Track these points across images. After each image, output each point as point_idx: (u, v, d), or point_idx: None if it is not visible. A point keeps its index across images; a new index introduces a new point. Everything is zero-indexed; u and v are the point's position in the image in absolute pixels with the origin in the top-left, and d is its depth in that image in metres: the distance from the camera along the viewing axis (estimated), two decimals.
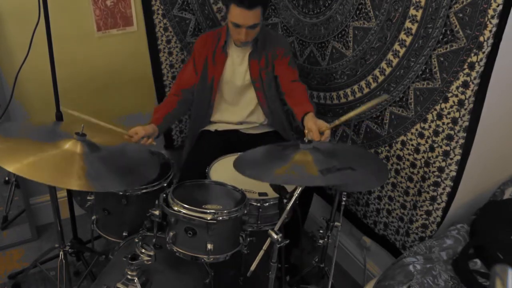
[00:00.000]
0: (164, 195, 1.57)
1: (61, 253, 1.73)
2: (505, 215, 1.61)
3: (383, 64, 1.79)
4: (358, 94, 1.96)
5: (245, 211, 1.55)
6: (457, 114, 1.54)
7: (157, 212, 1.53)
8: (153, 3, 2.33)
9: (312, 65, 2.21)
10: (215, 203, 1.55)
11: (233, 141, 2.13)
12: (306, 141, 1.47)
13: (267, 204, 1.68)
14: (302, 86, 2.05)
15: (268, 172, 1.41)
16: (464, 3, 1.42)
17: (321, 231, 1.79)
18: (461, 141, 1.55)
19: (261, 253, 1.32)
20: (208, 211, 1.47)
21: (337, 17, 1.98)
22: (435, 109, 1.62)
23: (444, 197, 1.67)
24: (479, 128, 1.50)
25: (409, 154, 1.78)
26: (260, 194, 1.74)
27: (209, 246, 1.48)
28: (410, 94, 1.71)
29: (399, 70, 1.73)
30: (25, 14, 1.95)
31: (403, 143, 1.79)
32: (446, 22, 1.50)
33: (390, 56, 1.75)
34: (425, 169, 1.71)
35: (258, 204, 1.67)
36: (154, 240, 1.60)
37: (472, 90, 1.46)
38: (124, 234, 1.85)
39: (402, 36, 1.68)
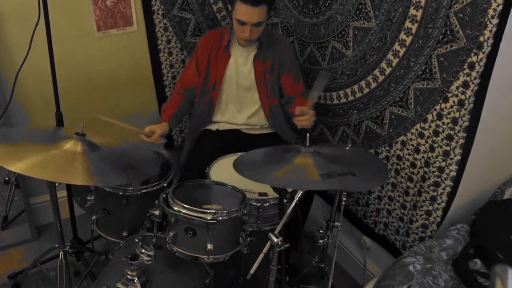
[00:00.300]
0: (164, 195, 1.57)
1: (61, 253, 1.73)
2: (505, 215, 1.61)
3: (383, 64, 1.79)
4: (358, 94, 1.96)
5: (245, 211, 1.55)
6: (457, 114, 1.54)
7: (157, 212, 1.53)
8: (153, 3, 2.33)
9: (312, 65, 2.21)
10: (215, 203, 1.55)
11: (234, 141, 2.13)
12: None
13: (267, 204, 1.68)
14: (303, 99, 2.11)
15: (267, 174, 1.41)
16: (464, 3, 1.42)
17: (321, 231, 1.79)
18: (461, 141, 1.55)
19: (261, 256, 1.32)
20: (208, 211, 1.47)
21: (337, 17, 1.98)
22: (435, 109, 1.62)
23: (444, 197, 1.67)
24: (479, 128, 1.50)
25: (409, 154, 1.78)
26: (260, 194, 1.74)
27: (209, 246, 1.48)
28: (410, 94, 1.71)
29: (399, 70, 1.73)
30: (25, 14, 1.95)
31: (403, 143, 1.79)
32: (446, 22, 1.50)
33: (390, 56, 1.75)
34: (425, 169, 1.71)
35: (258, 204, 1.67)
36: (154, 240, 1.60)
37: (472, 90, 1.46)
38: (124, 234, 1.85)
39: (402, 36, 1.68)
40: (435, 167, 1.67)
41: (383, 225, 2.01)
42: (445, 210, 1.69)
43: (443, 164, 1.63)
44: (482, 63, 1.41)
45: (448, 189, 1.65)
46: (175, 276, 1.58)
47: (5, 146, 1.44)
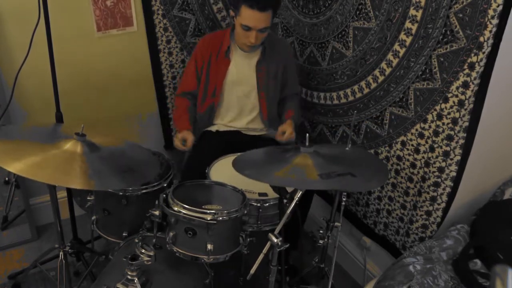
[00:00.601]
0: (164, 195, 1.57)
1: (61, 253, 1.73)
2: (505, 215, 1.61)
3: (383, 64, 1.79)
4: (358, 95, 1.96)
5: (245, 212, 1.55)
6: (457, 115, 1.54)
7: (157, 213, 1.53)
8: (153, 3, 2.33)
9: (312, 65, 2.21)
10: (215, 203, 1.55)
11: (234, 142, 2.13)
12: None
13: (267, 204, 1.68)
14: (295, 99, 2.19)
15: (267, 173, 1.41)
16: (464, 3, 1.42)
17: (321, 231, 1.79)
18: (461, 141, 1.55)
19: (261, 256, 1.32)
20: (208, 211, 1.47)
21: (337, 17, 1.98)
22: (435, 110, 1.62)
23: (444, 198, 1.67)
24: (479, 128, 1.50)
25: (409, 155, 1.78)
26: (260, 194, 1.74)
27: (209, 247, 1.48)
28: (410, 95, 1.71)
29: (399, 71, 1.73)
30: (25, 14, 1.95)
31: (403, 144, 1.79)
32: (446, 22, 1.50)
33: (390, 56, 1.75)
34: (425, 169, 1.71)
35: (258, 205, 1.67)
36: (154, 240, 1.60)
37: (472, 91, 1.46)
38: (124, 234, 1.85)
39: (402, 36, 1.68)
40: (435, 167, 1.67)
41: (383, 225, 2.01)
42: (445, 210, 1.69)
43: (443, 164, 1.63)
44: (482, 63, 1.41)
45: (448, 190, 1.65)
46: (175, 276, 1.58)
47: (4, 143, 1.43)
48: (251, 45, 1.94)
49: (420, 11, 1.58)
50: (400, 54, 1.71)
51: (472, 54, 1.43)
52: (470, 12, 1.41)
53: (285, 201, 1.42)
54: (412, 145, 1.75)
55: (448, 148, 1.60)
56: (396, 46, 1.71)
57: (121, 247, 1.73)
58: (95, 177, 1.37)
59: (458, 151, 1.57)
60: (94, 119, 2.41)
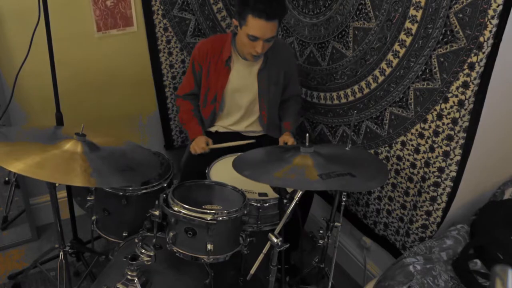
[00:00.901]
0: (164, 195, 1.57)
1: (61, 253, 1.73)
2: (505, 215, 1.61)
3: (383, 65, 1.79)
4: (358, 95, 1.96)
5: (245, 212, 1.55)
6: (457, 115, 1.54)
7: (157, 213, 1.53)
8: (153, 4, 2.33)
9: (312, 66, 2.21)
10: (215, 203, 1.55)
11: (234, 141, 2.12)
12: None
13: (267, 204, 1.68)
14: (295, 103, 2.19)
15: (267, 173, 1.41)
16: (464, 3, 1.42)
17: (321, 231, 1.79)
18: (461, 141, 1.55)
19: (261, 256, 1.32)
20: (208, 211, 1.47)
21: (337, 18, 1.98)
22: (435, 110, 1.62)
23: (444, 198, 1.67)
24: (479, 128, 1.50)
25: (409, 155, 1.78)
26: (260, 194, 1.74)
27: (209, 247, 1.48)
28: (410, 95, 1.71)
29: (399, 71, 1.73)
30: (25, 14, 1.95)
31: (403, 144, 1.79)
32: (446, 22, 1.50)
33: (390, 56, 1.75)
34: (425, 169, 1.71)
35: (258, 205, 1.67)
36: (154, 240, 1.60)
37: (472, 91, 1.46)
38: (124, 234, 1.85)
39: (402, 36, 1.68)
40: (435, 167, 1.67)
41: (383, 225, 2.01)
42: (445, 210, 1.69)
43: (443, 164, 1.63)
44: (482, 64, 1.41)
45: (448, 190, 1.65)
46: (175, 277, 1.58)
47: (5, 145, 1.44)
48: (256, 55, 1.90)
49: (420, 11, 1.58)
50: (400, 54, 1.71)
51: (472, 54, 1.43)
52: (470, 12, 1.41)
53: (285, 201, 1.42)
54: (412, 145, 1.75)
55: (448, 148, 1.60)
56: (396, 46, 1.71)
57: (121, 247, 1.73)
58: (96, 175, 1.38)
59: (458, 151, 1.57)
60: (94, 119, 2.41)
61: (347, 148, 1.62)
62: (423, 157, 1.72)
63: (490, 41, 1.37)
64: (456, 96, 1.52)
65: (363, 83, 1.92)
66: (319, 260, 1.90)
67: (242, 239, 1.58)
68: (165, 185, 1.87)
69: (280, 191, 1.45)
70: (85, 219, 2.31)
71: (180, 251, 1.52)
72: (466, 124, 1.52)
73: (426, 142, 1.69)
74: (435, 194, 1.70)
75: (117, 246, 1.77)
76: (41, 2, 1.69)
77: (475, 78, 1.44)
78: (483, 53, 1.40)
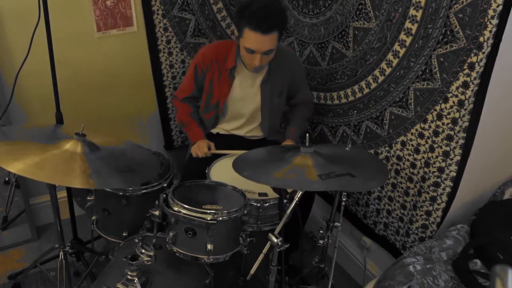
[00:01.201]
0: (164, 195, 1.57)
1: (61, 253, 1.73)
2: (505, 215, 1.61)
3: (383, 65, 1.79)
4: (358, 95, 1.96)
5: (245, 212, 1.55)
6: (457, 115, 1.54)
7: (157, 213, 1.53)
8: (153, 4, 2.33)
9: (312, 66, 2.21)
10: (215, 203, 1.55)
11: (235, 143, 2.12)
12: None
13: (267, 204, 1.68)
14: (306, 109, 2.17)
15: (266, 174, 1.41)
16: (464, 3, 1.42)
17: (321, 232, 1.79)
18: (461, 141, 1.55)
19: (261, 256, 1.32)
20: (208, 211, 1.47)
21: (337, 18, 1.98)
22: (435, 110, 1.62)
23: (444, 198, 1.67)
24: (479, 128, 1.50)
25: (409, 155, 1.78)
26: (260, 194, 1.74)
27: (209, 247, 1.48)
28: (410, 95, 1.71)
29: (399, 71, 1.73)
30: (25, 14, 1.95)
31: (403, 144, 1.79)
32: (446, 22, 1.50)
33: (390, 56, 1.75)
34: (425, 169, 1.71)
35: (258, 205, 1.67)
36: (154, 240, 1.60)
37: (472, 91, 1.46)
38: (124, 234, 1.85)
39: (402, 36, 1.68)
40: (435, 167, 1.67)
41: (383, 225, 2.01)
42: (445, 210, 1.69)
43: (443, 164, 1.63)
44: (482, 64, 1.41)
45: (448, 190, 1.65)
46: (175, 277, 1.58)
47: (5, 144, 1.43)
48: (256, 67, 1.88)
49: (420, 11, 1.58)
50: (400, 54, 1.71)
51: (472, 54, 1.43)
52: (470, 12, 1.41)
53: (285, 201, 1.42)
54: (412, 145, 1.75)
55: (448, 148, 1.60)
56: (396, 46, 1.71)
57: (121, 247, 1.73)
58: (95, 177, 1.37)
59: (458, 151, 1.57)
60: (94, 119, 2.41)
61: (347, 148, 1.62)
62: (423, 157, 1.72)
63: (490, 41, 1.37)
64: (456, 96, 1.52)
65: (363, 83, 1.92)
66: (319, 260, 1.90)
67: (242, 239, 1.58)
68: (165, 185, 1.87)
69: (280, 191, 1.45)
70: (85, 219, 2.31)
71: (180, 251, 1.52)
72: (466, 124, 1.52)
73: (426, 142, 1.69)
74: (435, 194, 1.70)
75: (117, 246, 1.77)
76: (41, 2, 1.70)
77: (475, 78, 1.44)
78: (483, 53, 1.40)
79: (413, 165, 1.77)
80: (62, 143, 1.46)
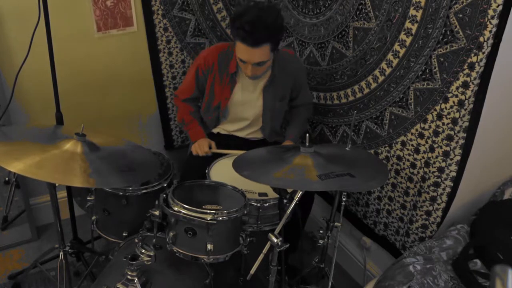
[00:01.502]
0: (164, 195, 1.57)
1: (61, 253, 1.73)
2: (505, 215, 1.61)
3: (383, 65, 1.79)
4: (359, 95, 1.96)
5: (245, 212, 1.55)
6: (457, 115, 1.54)
7: (157, 213, 1.53)
8: (153, 4, 2.33)
9: (312, 66, 2.21)
10: (215, 203, 1.55)
11: (236, 144, 2.12)
12: None
13: (267, 204, 1.68)
14: (306, 110, 2.17)
15: (266, 174, 1.41)
16: (464, 3, 1.42)
17: (321, 232, 1.79)
18: (461, 141, 1.55)
19: (261, 256, 1.32)
20: (208, 211, 1.47)
21: (337, 18, 1.98)
22: (435, 110, 1.62)
23: (444, 198, 1.67)
24: (479, 128, 1.50)
25: (409, 155, 1.78)
26: (260, 194, 1.74)
27: (209, 247, 1.48)
28: (410, 95, 1.71)
29: (399, 71, 1.73)
30: (25, 14, 1.95)
31: (403, 144, 1.80)
32: (446, 22, 1.50)
33: (390, 56, 1.75)
34: (425, 169, 1.72)
35: (258, 205, 1.67)
36: (154, 240, 1.60)
37: (472, 91, 1.47)
38: (124, 234, 1.85)
39: (402, 36, 1.68)
40: (435, 167, 1.67)
41: (383, 225, 2.01)
42: (445, 210, 1.69)
43: (443, 164, 1.63)
44: (482, 64, 1.41)
45: (448, 190, 1.65)
46: (175, 277, 1.58)
47: (5, 144, 1.43)
48: (250, 76, 1.87)
49: (420, 11, 1.58)
50: (400, 54, 1.71)
51: (472, 54, 1.43)
52: (470, 12, 1.41)
53: (285, 201, 1.42)
54: (412, 145, 1.75)
55: (448, 148, 1.60)
56: (396, 46, 1.71)
57: (121, 247, 1.73)
58: (95, 176, 1.37)
59: (458, 151, 1.57)
60: (94, 119, 2.41)
61: (347, 148, 1.62)
62: (423, 157, 1.72)
63: (490, 41, 1.37)
64: (456, 96, 1.52)
65: (363, 83, 1.92)
66: (319, 260, 1.90)
67: (242, 239, 1.58)
68: (165, 185, 1.87)
69: (280, 191, 1.45)
70: (85, 219, 2.31)
71: (180, 251, 1.52)
72: (466, 124, 1.52)
73: (426, 142, 1.69)
74: (435, 194, 1.70)
75: (117, 246, 1.77)
76: (41, 2, 1.69)
77: (475, 78, 1.44)
78: (483, 53, 1.40)
79: (413, 165, 1.77)
80: (62, 143, 1.47)
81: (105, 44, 2.32)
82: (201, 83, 2.06)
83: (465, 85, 1.48)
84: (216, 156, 1.98)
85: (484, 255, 1.49)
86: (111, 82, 2.43)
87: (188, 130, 2.13)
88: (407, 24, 1.64)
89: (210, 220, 1.45)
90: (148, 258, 1.44)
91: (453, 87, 1.52)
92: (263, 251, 1.32)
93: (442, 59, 1.55)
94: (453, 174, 1.61)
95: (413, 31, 1.63)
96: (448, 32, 1.50)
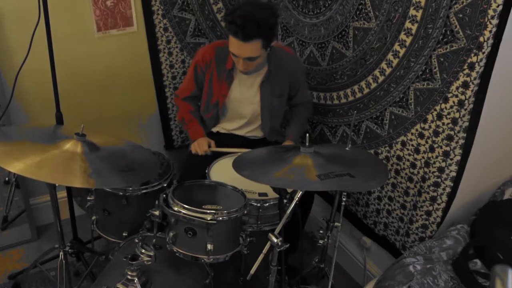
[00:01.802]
0: (164, 195, 1.57)
1: (61, 253, 1.73)
2: (505, 215, 1.61)
3: (383, 65, 1.79)
4: (358, 95, 1.96)
5: (245, 212, 1.55)
6: (457, 115, 1.54)
7: (157, 213, 1.53)
8: (153, 4, 2.33)
9: (312, 66, 2.21)
10: (215, 203, 1.55)
11: (235, 143, 2.12)
12: None
13: (267, 204, 1.68)
14: (304, 110, 2.17)
15: (266, 174, 1.41)
16: (464, 3, 1.42)
17: (321, 232, 1.79)
18: (461, 141, 1.55)
19: (261, 256, 1.32)
20: (208, 211, 1.47)
21: (337, 18, 1.98)
22: (435, 110, 1.62)
23: (444, 198, 1.67)
24: (479, 128, 1.50)
25: (409, 155, 1.78)
26: (260, 194, 1.74)
27: (209, 247, 1.48)
28: (410, 95, 1.71)
29: (399, 71, 1.73)
30: (25, 14, 1.95)
31: (403, 144, 1.80)
32: (446, 22, 1.50)
33: (390, 56, 1.75)
34: (425, 169, 1.72)
35: (258, 205, 1.66)
36: (154, 240, 1.60)
37: (472, 91, 1.47)
38: (124, 234, 1.85)
39: (402, 36, 1.68)
40: (435, 167, 1.67)
41: (383, 225, 2.01)
42: (445, 210, 1.69)
43: (443, 164, 1.63)
44: (482, 64, 1.41)
45: (448, 190, 1.65)
46: (175, 277, 1.58)
47: (5, 144, 1.43)
48: (242, 71, 1.88)
49: (420, 11, 1.58)
50: (400, 54, 1.71)
51: (472, 54, 1.43)
52: (470, 12, 1.41)
53: (285, 201, 1.42)
54: (412, 145, 1.75)
55: (448, 148, 1.60)
56: (396, 46, 1.71)
57: (121, 247, 1.73)
58: (95, 176, 1.37)
59: (458, 151, 1.57)
60: (94, 119, 2.41)
61: (347, 148, 1.62)
62: (423, 157, 1.72)
63: (490, 41, 1.37)
64: (456, 96, 1.52)
65: (363, 83, 1.92)
66: (319, 260, 1.90)
67: (242, 239, 1.58)
68: (165, 185, 1.87)
69: (280, 191, 1.45)
70: (85, 219, 2.31)
71: (180, 251, 1.52)
72: (466, 124, 1.52)
73: (426, 142, 1.69)
74: (435, 194, 1.70)
75: (117, 246, 1.77)
76: (41, 2, 1.69)
77: (475, 78, 1.44)
78: (483, 53, 1.40)
79: (413, 165, 1.77)
80: (62, 143, 1.47)
81: (105, 44, 2.32)
82: (200, 80, 2.07)
83: (465, 85, 1.48)
84: (216, 156, 1.97)
85: (484, 255, 1.49)
86: (111, 82, 2.43)
87: (188, 129, 2.13)
88: (407, 24, 1.64)
89: (210, 220, 1.45)
90: (148, 258, 1.44)
91: (453, 87, 1.52)
92: (263, 251, 1.32)
93: (442, 59, 1.55)
94: (453, 174, 1.61)
95: (413, 31, 1.63)
96: (448, 32, 1.50)
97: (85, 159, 1.42)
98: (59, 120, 1.91)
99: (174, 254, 1.54)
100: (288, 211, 1.35)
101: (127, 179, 1.47)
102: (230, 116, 2.12)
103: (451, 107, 1.55)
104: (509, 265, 0.95)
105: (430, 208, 1.74)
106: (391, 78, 1.77)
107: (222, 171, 1.87)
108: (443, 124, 1.60)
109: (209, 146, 2.01)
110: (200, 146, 2.00)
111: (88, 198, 1.85)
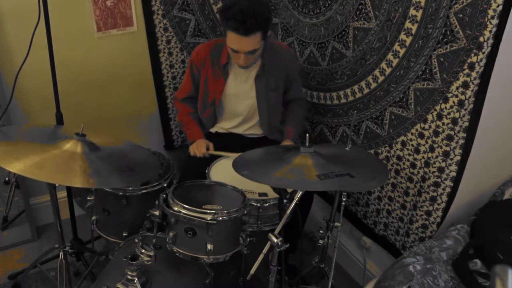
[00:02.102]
0: (164, 195, 1.57)
1: (61, 253, 1.73)
2: (505, 215, 1.61)
3: (383, 65, 1.79)
4: (358, 95, 1.96)
5: (245, 212, 1.55)
6: (457, 115, 1.54)
7: (157, 213, 1.53)
8: (153, 4, 2.33)
9: (312, 66, 2.21)
10: (215, 203, 1.55)
11: (234, 143, 2.13)
12: None
13: (267, 204, 1.68)
14: (299, 107, 2.16)
15: (266, 174, 1.41)
16: (464, 3, 1.42)
17: (321, 232, 1.79)
18: (461, 141, 1.55)
19: (261, 257, 1.32)
20: (208, 211, 1.47)
21: (337, 18, 1.98)
22: (435, 110, 1.62)
23: (444, 198, 1.67)
24: (479, 128, 1.50)
25: (409, 155, 1.78)
26: (260, 194, 1.74)
27: (209, 247, 1.48)
28: (410, 95, 1.71)
29: (399, 71, 1.73)
30: (25, 14, 1.95)
31: (403, 144, 1.80)
32: (446, 22, 1.50)
33: (390, 56, 1.75)
34: (425, 169, 1.72)
35: (258, 205, 1.67)
36: (154, 240, 1.60)
37: (472, 91, 1.47)
38: (124, 234, 1.85)
39: (402, 36, 1.68)
40: (435, 167, 1.67)
41: (383, 225, 2.01)
42: (445, 210, 1.69)
43: (443, 164, 1.63)
44: (482, 64, 1.41)
45: (448, 190, 1.65)
46: (175, 277, 1.58)
47: (5, 144, 1.44)
48: (243, 66, 1.89)
49: (420, 11, 1.58)
50: (400, 54, 1.71)
51: (472, 54, 1.43)
52: (470, 12, 1.41)
53: (285, 201, 1.42)
54: (412, 145, 1.75)
55: (448, 148, 1.60)
56: (396, 46, 1.71)
57: (121, 247, 1.73)
58: (95, 176, 1.37)
59: (458, 151, 1.57)
60: (94, 119, 2.41)
61: (347, 148, 1.62)
62: (423, 157, 1.72)
63: (490, 41, 1.37)
64: (456, 96, 1.52)
65: (363, 83, 1.92)
66: (319, 260, 1.90)
67: (242, 239, 1.58)
68: (165, 185, 1.87)
69: (280, 191, 1.45)
70: (85, 219, 2.31)
71: (180, 251, 1.52)
72: (466, 124, 1.52)
73: (426, 142, 1.69)
74: (435, 194, 1.70)
75: (117, 246, 1.77)
76: (41, 2, 1.70)
77: (475, 78, 1.44)
78: (483, 53, 1.40)
79: (413, 165, 1.77)
80: (62, 143, 1.47)
81: (105, 44, 2.32)
82: (197, 79, 2.08)
83: (465, 85, 1.48)
84: (215, 156, 1.98)
85: (484, 255, 1.49)
86: (111, 82, 2.43)
87: (186, 130, 2.13)
88: (407, 24, 1.64)
89: (210, 220, 1.45)
90: (148, 258, 1.44)
91: (453, 87, 1.52)
92: (263, 251, 1.32)
93: (442, 59, 1.55)
94: (453, 174, 1.61)
95: (413, 31, 1.63)
96: (448, 32, 1.50)
97: (85, 159, 1.43)
98: (59, 120, 1.91)
99: (174, 254, 1.54)
100: (288, 211, 1.35)
101: (127, 179, 1.47)
102: (227, 114, 2.12)
103: (451, 107, 1.55)
104: (509, 265, 0.95)
105: (430, 208, 1.74)
106: (391, 78, 1.77)
107: (222, 171, 1.87)
108: (443, 124, 1.60)
109: (207, 149, 2.01)
110: (199, 148, 2.00)
111: (88, 198, 1.85)
